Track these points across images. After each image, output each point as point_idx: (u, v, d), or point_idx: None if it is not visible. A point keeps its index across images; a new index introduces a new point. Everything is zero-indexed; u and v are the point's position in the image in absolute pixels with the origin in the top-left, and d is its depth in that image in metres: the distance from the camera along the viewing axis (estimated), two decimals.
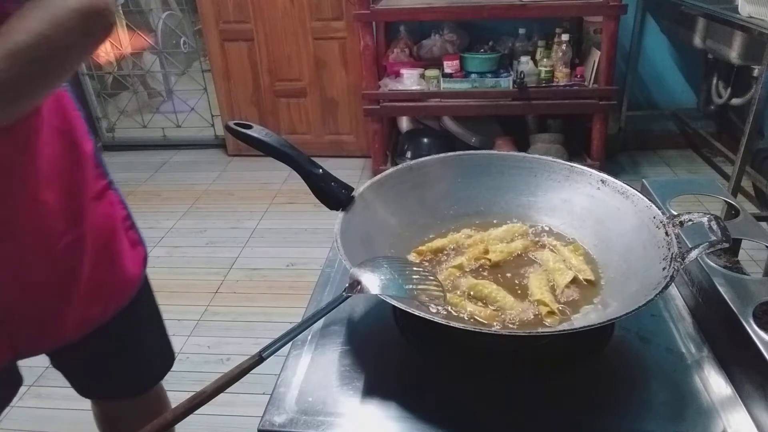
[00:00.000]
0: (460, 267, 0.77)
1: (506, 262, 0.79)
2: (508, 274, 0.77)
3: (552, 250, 0.80)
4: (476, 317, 0.69)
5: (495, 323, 0.68)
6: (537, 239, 0.83)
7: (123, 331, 0.97)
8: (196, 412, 0.55)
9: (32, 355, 0.86)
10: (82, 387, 1.05)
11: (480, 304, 0.71)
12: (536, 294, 0.72)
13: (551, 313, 0.69)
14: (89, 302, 0.87)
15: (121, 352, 1.00)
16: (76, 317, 0.87)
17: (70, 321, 0.86)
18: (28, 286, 0.80)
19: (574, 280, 0.74)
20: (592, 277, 0.74)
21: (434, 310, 0.69)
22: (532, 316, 0.69)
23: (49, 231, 0.80)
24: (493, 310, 0.70)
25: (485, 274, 0.77)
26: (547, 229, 0.85)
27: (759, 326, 0.61)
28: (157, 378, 1.14)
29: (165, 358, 1.15)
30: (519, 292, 0.74)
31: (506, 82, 2.68)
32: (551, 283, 0.74)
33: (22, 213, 0.76)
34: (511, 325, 0.68)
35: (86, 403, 1.14)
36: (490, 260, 0.77)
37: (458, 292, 0.73)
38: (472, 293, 0.72)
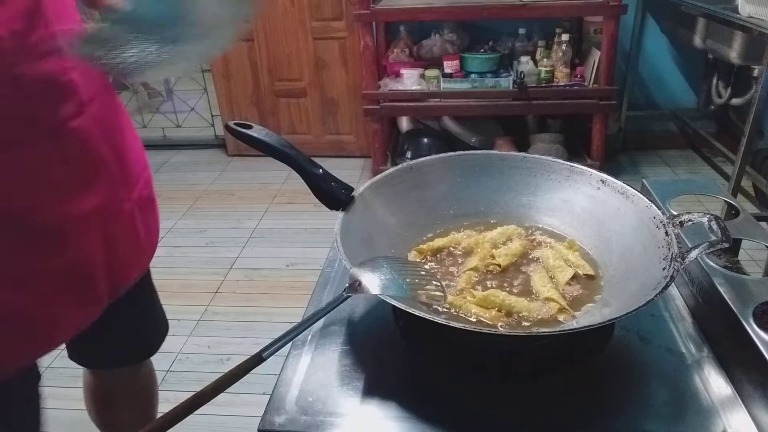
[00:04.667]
0: (476, 269, 0.77)
1: (509, 264, 0.79)
2: (510, 276, 0.77)
3: (550, 247, 0.80)
4: (481, 319, 0.69)
5: (500, 324, 0.68)
6: (533, 238, 0.83)
7: (138, 297, 1.00)
8: (196, 412, 0.55)
9: (115, 294, 0.89)
10: (98, 355, 1.06)
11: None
12: (543, 292, 0.72)
13: (562, 309, 0.69)
14: (139, 254, 0.94)
15: (136, 318, 1.04)
16: (135, 264, 0.94)
17: (136, 264, 0.94)
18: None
19: (575, 276, 0.75)
20: (591, 272, 0.75)
21: (436, 311, 0.69)
22: (549, 315, 0.69)
23: (132, 176, 0.91)
24: (498, 311, 0.70)
25: (489, 277, 0.77)
26: (540, 227, 0.85)
27: (759, 326, 0.61)
28: (157, 346, 1.16)
29: (163, 327, 1.17)
30: (523, 291, 0.74)
31: (506, 82, 2.68)
32: (553, 280, 0.74)
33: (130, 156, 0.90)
34: (530, 326, 0.68)
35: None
36: (500, 265, 0.77)
37: (458, 293, 0.73)
38: (484, 305, 0.71)
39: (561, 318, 0.69)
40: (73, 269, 0.81)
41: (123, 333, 1.04)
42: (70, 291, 0.81)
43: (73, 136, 0.76)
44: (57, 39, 0.71)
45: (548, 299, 0.71)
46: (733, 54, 2.40)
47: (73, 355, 1.07)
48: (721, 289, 0.68)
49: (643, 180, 0.96)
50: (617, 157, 3.16)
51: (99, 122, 0.80)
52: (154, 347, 1.15)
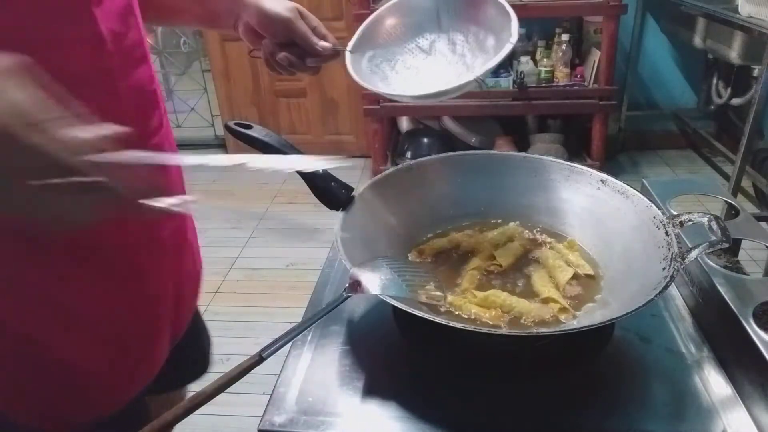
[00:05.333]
0: (478, 269, 0.77)
1: (509, 264, 0.79)
2: (511, 276, 0.77)
3: (550, 247, 0.81)
4: (482, 319, 0.69)
5: (501, 324, 0.68)
6: (533, 238, 0.83)
7: (197, 320, 1.00)
8: (196, 412, 0.55)
9: (177, 338, 0.85)
10: (175, 376, 0.97)
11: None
12: (543, 292, 0.72)
13: (563, 309, 0.69)
14: (197, 285, 0.92)
15: (199, 338, 1.05)
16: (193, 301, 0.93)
17: (194, 297, 0.92)
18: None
19: (575, 276, 0.75)
20: (591, 272, 0.75)
21: (436, 311, 0.69)
22: (550, 316, 0.69)
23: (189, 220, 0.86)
24: (499, 311, 0.70)
25: (491, 277, 0.77)
26: (540, 227, 0.85)
27: (759, 326, 0.61)
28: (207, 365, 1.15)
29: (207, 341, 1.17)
30: (524, 291, 0.74)
31: (506, 82, 2.68)
32: (554, 280, 0.74)
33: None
34: (530, 326, 0.68)
35: None
36: (501, 266, 0.78)
37: (462, 293, 0.73)
38: (484, 305, 0.71)
39: (561, 318, 0.69)
40: (144, 310, 0.73)
41: (199, 352, 1.02)
42: (136, 342, 0.73)
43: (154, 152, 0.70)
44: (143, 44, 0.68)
45: (548, 299, 0.71)
46: (733, 54, 2.41)
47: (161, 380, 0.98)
48: (721, 289, 0.68)
49: (643, 180, 0.96)
50: (617, 157, 3.16)
51: (168, 139, 0.75)
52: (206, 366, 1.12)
